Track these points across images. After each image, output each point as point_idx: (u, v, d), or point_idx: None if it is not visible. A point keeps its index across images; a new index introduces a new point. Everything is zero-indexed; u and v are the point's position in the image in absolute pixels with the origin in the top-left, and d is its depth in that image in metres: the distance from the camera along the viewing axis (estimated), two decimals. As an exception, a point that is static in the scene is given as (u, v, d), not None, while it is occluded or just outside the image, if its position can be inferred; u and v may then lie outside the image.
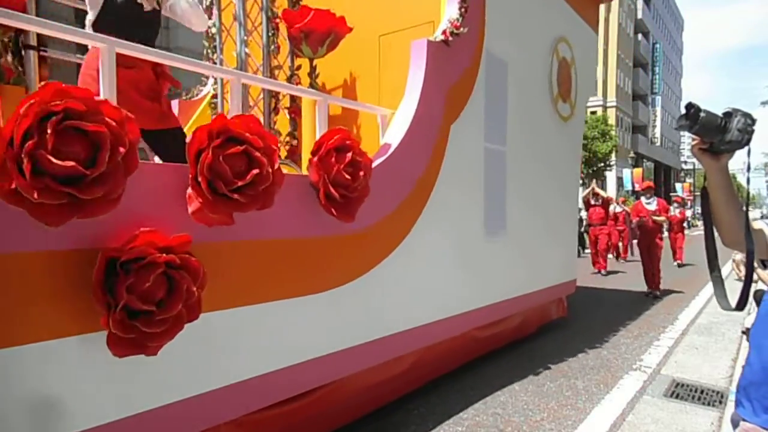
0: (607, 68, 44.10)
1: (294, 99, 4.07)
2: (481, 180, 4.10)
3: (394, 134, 3.24)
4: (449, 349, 3.94)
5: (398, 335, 3.21)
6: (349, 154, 2.46)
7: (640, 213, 8.46)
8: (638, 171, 32.54)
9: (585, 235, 12.72)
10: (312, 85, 3.92)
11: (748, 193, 3.39)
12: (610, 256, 11.63)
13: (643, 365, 4.38)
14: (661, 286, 8.18)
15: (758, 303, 5.37)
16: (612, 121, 37.02)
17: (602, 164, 29.65)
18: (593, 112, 38.47)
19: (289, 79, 4.01)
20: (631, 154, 36.18)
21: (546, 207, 5.33)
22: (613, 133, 30.75)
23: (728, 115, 1.20)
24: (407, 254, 3.24)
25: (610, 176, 35.43)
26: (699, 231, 32.36)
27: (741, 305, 1.35)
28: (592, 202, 11.06)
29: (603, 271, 10.65)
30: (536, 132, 5.03)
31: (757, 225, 1.37)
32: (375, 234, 2.99)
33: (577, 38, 5.75)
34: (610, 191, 35.36)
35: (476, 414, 3.33)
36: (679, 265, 12.14)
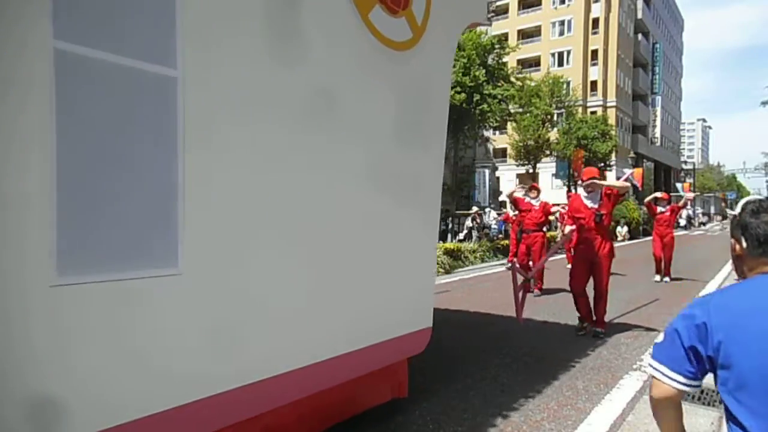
0: (607, 68, 44.11)
1: None
2: (47, 140, 1.58)
3: None
4: None
5: None
6: None
7: (576, 213, 5.68)
8: (639, 170, 32.51)
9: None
10: None
11: None
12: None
13: (643, 365, 4.37)
14: (613, 319, 5.91)
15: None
16: (612, 121, 37.01)
17: (602, 164, 29.64)
18: (593, 112, 38.49)
19: None
20: (631, 154, 36.18)
21: (351, 210, 2.71)
22: (613, 133, 30.75)
23: None
24: None
25: (611, 176, 35.41)
26: (699, 231, 32.32)
27: None
28: (527, 199, 8.02)
29: (536, 292, 7.87)
30: (309, 61, 2.41)
31: None
32: None
33: None
34: (610, 191, 35.34)
35: (476, 414, 3.33)
36: (660, 280, 9.49)
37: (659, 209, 9.73)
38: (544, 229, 8.34)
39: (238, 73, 2.12)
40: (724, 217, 56.13)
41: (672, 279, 9.57)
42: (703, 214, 49.51)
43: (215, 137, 2.07)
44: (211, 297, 2.06)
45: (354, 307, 2.78)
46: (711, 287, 8.80)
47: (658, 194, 10.26)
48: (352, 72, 2.69)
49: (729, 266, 10.39)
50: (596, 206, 5.53)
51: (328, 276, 2.64)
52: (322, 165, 2.56)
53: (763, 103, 33.84)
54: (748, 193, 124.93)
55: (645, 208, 10.85)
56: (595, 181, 5.59)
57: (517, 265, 5.60)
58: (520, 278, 5.11)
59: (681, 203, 10.83)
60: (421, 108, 3.18)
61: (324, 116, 2.54)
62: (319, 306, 2.57)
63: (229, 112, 2.11)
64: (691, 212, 38.93)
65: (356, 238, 2.78)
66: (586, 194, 5.65)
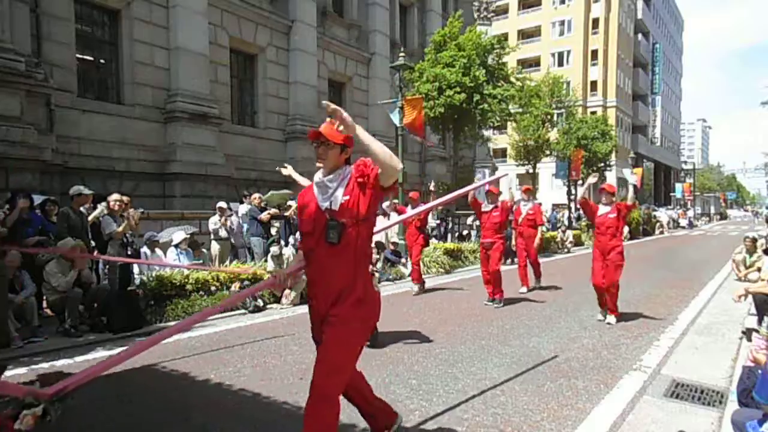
0: (607, 68, 44.11)
1: None
2: None
3: None
4: None
5: None
6: None
7: (303, 225, 2.51)
8: (638, 171, 32.49)
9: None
10: None
11: None
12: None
13: (643, 365, 4.37)
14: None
15: (757, 304, 5.33)
16: (612, 121, 36.99)
17: (602, 164, 29.63)
18: (593, 112, 38.47)
19: None
20: (631, 154, 36.18)
21: None
22: (613, 133, 30.73)
23: None
24: None
25: (610, 176, 35.44)
26: (700, 231, 32.22)
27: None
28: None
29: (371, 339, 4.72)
30: None
31: None
32: None
33: None
34: (610, 191, 35.29)
35: (476, 414, 3.33)
36: (603, 318, 5.97)
37: (601, 209, 6.04)
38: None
39: None
40: (723, 217, 56.13)
41: (619, 318, 5.92)
42: (702, 214, 49.05)
43: None
44: None
45: None
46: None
47: (592, 179, 6.17)
48: None
49: (727, 269, 10.37)
50: (331, 205, 2.38)
51: None
52: None
53: (763, 103, 33.94)
54: (748, 194, 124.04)
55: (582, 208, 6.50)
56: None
57: None
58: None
59: (630, 201, 6.27)
60: None
61: None
62: None
63: None
64: (691, 213, 38.84)
65: None
66: (321, 176, 2.46)
